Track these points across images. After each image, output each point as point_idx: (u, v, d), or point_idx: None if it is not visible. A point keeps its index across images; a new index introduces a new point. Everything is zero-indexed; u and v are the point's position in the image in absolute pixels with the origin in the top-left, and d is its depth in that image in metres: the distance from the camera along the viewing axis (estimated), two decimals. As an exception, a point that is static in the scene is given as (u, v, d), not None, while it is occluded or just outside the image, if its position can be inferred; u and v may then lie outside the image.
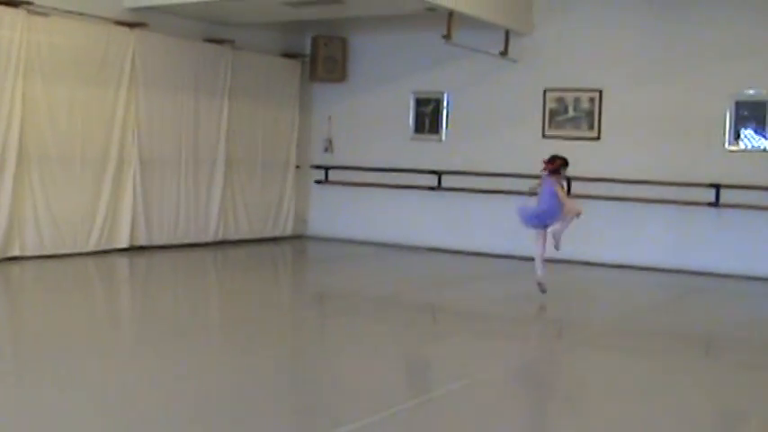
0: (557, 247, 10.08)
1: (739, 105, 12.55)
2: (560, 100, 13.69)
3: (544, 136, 13.79)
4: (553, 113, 13.76)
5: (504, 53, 13.69)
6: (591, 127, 13.50)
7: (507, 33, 13.62)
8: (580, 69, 13.53)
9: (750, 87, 12.47)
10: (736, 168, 12.43)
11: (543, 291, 10.01)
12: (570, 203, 9.96)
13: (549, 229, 9.95)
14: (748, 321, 9.70)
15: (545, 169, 10.06)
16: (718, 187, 12.45)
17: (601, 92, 13.41)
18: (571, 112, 13.65)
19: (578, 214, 9.92)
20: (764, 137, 12.41)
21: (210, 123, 13.77)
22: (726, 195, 12.43)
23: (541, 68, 13.78)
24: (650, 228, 13.02)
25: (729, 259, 12.46)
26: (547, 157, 10.13)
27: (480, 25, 12.84)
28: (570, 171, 13.36)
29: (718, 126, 12.63)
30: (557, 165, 10.04)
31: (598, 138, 13.44)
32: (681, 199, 12.65)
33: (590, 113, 13.51)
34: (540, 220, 10.02)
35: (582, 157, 13.46)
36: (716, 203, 12.45)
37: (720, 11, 12.62)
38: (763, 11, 11.81)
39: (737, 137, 12.58)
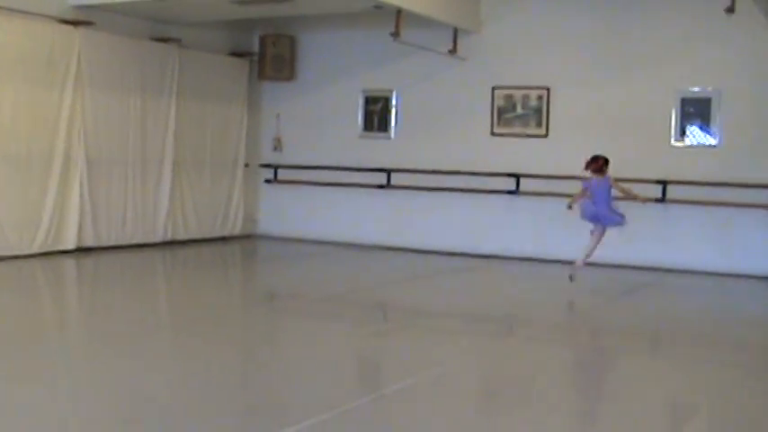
0: (572, 277, 10.88)
1: (685, 102, 12.68)
2: (509, 97, 13.75)
3: (492, 134, 13.84)
4: (501, 111, 13.82)
5: (452, 51, 13.73)
6: (539, 124, 13.58)
7: (455, 31, 13.66)
8: (528, 67, 13.60)
9: (695, 84, 12.60)
10: (682, 164, 12.56)
11: (572, 279, 10.74)
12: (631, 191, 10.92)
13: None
14: (692, 314, 9.80)
15: (587, 169, 10.67)
16: (664, 183, 12.57)
17: (549, 89, 13.48)
18: (519, 110, 13.71)
19: (645, 200, 11.11)
20: (709, 133, 12.55)
21: (158, 123, 13.66)
22: (672, 191, 12.56)
23: (490, 66, 13.83)
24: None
25: (675, 254, 12.59)
26: (588, 158, 10.76)
27: (429, 23, 12.87)
28: (519, 168, 13.52)
29: (665, 123, 12.75)
30: (599, 164, 10.63)
31: (546, 135, 13.52)
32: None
33: (538, 111, 13.58)
34: (600, 220, 10.68)
35: (530, 155, 13.55)
36: (662, 199, 12.57)
37: (666, 9, 12.75)
38: (708, 9, 11.93)
39: (683, 133, 12.71)
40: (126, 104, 13.11)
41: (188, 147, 14.24)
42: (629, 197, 10.81)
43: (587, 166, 10.73)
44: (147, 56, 13.39)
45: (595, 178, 10.64)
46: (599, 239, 10.70)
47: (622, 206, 10.96)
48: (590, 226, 10.78)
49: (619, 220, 10.64)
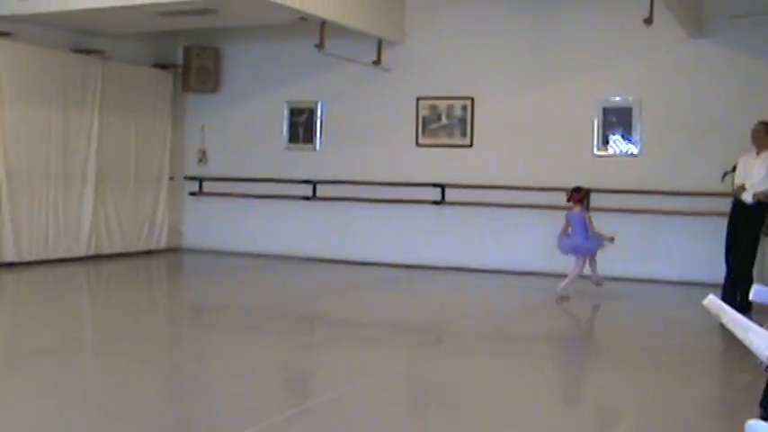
0: (599, 284, 11.09)
1: (607, 111, 12.87)
2: (433, 108, 13.83)
3: (418, 144, 13.91)
4: (426, 121, 13.89)
5: (376, 62, 13.77)
6: (464, 134, 13.67)
7: (380, 42, 13.71)
8: (452, 77, 13.69)
9: (616, 94, 12.80)
10: (605, 173, 12.74)
11: (561, 301, 10.74)
12: (600, 232, 10.95)
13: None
14: (618, 322, 9.93)
15: (570, 200, 10.90)
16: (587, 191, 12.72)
17: (473, 99, 13.58)
18: (444, 120, 13.79)
19: (612, 239, 10.97)
20: (631, 142, 12.75)
21: (80, 136, 13.48)
22: (595, 199, 12.70)
23: (414, 77, 13.90)
24: (524, 233, 13.23)
25: (599, 261, 12.73)
26: (569, 189, 11.03)
27: (353, 35, 12.90)
28: (444, 178, 13.60)
29: (587, 132, 12.92)
30: (580, 196, 10.86)
31: (471, 145, 13.61)
32: (552, 204, 12.88)
33: (463, 121, 13.67)
34: (579, 251, 10.86)
35: (455, 165, 13.64)
36: (586, 208, 12.71)
37: (588, 20, 12.93)
38: (628, 20, 12.12)
39: (606, 142, 12.89)
40: (47, 117, 12.93)
41: (111, 160, 14.08)
42: (601, 238, 10.91)
43: (569, 197, 10.97)
44: (68, 68, 13.22)
45: (575, 210, 10.80)
46: (581, 269, 10.85)
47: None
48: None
49: (596, 245, 10.84)
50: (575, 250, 10.88)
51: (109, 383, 6.41)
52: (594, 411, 6.28)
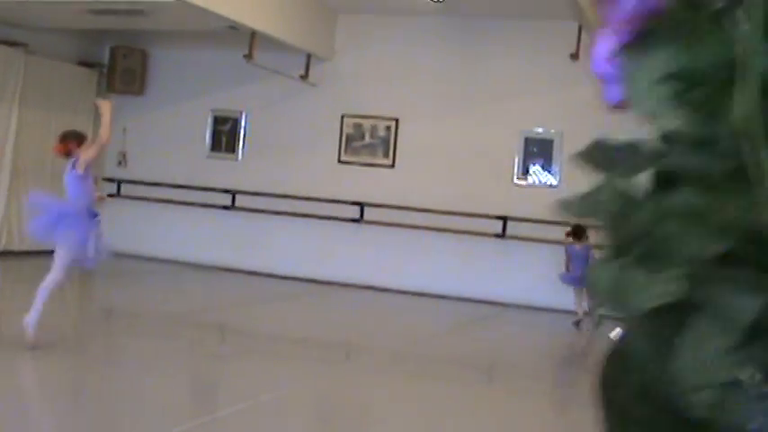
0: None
1: (528, 142, 13.04)
2: (358, 126, 13.88)
3: (340, 161, 13.94)
4: (350, 139, 13.93)
5: (304, 77, 13.78)
6: (386, 155, 13.74)
7: (308, 57, 13.73)
8: (378, 97, 13.76)
9: (539, 125, 12.98)
10: (523, 202, 12.89)
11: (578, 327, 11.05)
12: None
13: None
14: (526, 348, 10.05)
15: (568, 236, 11.21)
16: (505, 219, 12.88)
17: (397, 120, 13.67)
18: (368, 139, 13.85)
19: None
20: (550, 173, 12.94)
21: (-2, 129, 13.27)
22: (512, 228, 12.87)
23: (340, 94, 13.94)
24: (440, 256, 13.32)
25: (513, 289, 12.88)
26: (569, 228, 11.14)
27: (282, 47, 12.90)
28: (364, 197, 13.65)
29: (509, 161, 13.08)
30: (581, 232, 10.96)
31: (392, 165, 13.69)
32: (470, 229, 13.01)
33: (386, 141, 13.74)
34: (582, 284, 10.82)
35: (376, 184, 13.69)
36: (502, 235, 12.87)
37: (516, 51, 13.10)
38: (556, 53, 12.32)
39: (526, 172, 13.06)
40: (-35, 108, 12.70)
41: (29, 156, 13.84)
42: None
43: (570, 234, 11.21)
44: (-10, 60, 13.01)
45: (576, 245, 11.09)
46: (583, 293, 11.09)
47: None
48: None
49: None
50: (575, 282, 11.15)
51: (11, 390, 6.31)
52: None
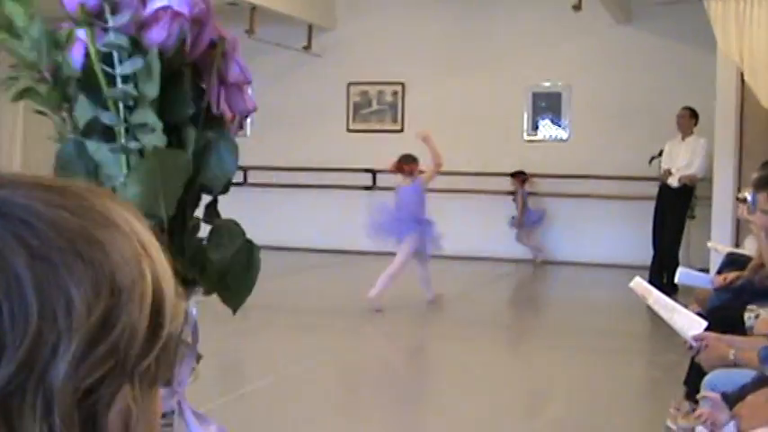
0: None
1: (536, 97, 12.99)
2: (364, 93, 13.84)
3: (349, 129, 13.92)
4: (357, 107, 13.90)
5: (307, 48, 13.73)
6: (395, 120, 13.71)
7: (310, 28, 13.66)
8: (383, 63, 13.70)
9: (545, 80, 12.92)
10: (535, 157, 12.85)
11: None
12: None
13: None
14: (546, 305, 10.06)
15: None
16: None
17: (403, 85, 13.62)
18: (375, 106, 13.82)
19: None
20: (560, 127, 12.89)
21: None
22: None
23: (345, 63, 13.88)
24: (456, 217, 13.28)
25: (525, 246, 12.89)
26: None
27: (283, 20, 12.83)
28: (375, 163, 13.61)
29: (518, 117, 13.04)
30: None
31: (401, 130, 13.65)
32: (484, 188, 12.98)
33: (394, 106, 13.71)
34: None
35: (386, 150, 13.63)
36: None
37: (518, 6, 13.01)
38: (558, 6, 12.23)
39: (536, 127, 13.01)
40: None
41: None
42: None
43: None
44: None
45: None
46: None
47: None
48: None
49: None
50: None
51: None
52: (524, 394, 6.36)
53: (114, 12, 2.17)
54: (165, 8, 2.19)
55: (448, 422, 5.47)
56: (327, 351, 7.36)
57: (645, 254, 10.74)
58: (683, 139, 10.40)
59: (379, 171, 13.45)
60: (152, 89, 2.18)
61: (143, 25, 2.20)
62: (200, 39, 2.33)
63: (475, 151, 13.14)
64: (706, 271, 7.43)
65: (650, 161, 11.62)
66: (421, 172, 9.43)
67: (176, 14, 2.22)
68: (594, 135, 12.75)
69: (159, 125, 2.22)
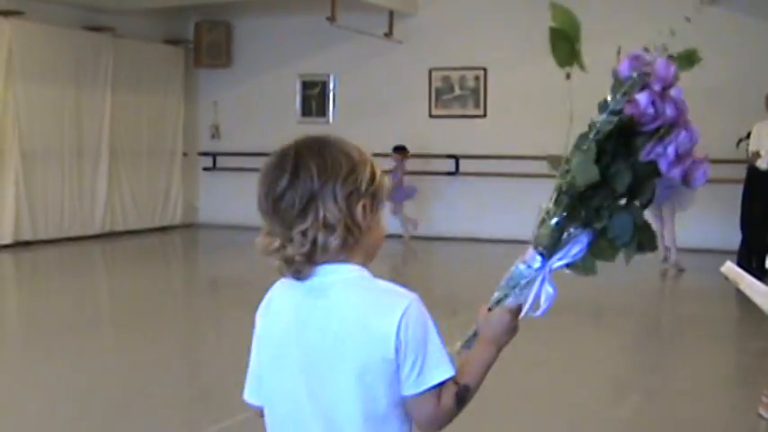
0: None
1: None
2: (446, 79, 13.79)
3: (431, 115, 13.88)
4: (439, 92, 13.85)
5: (388, 34, 13.71)
6: (477, 105, 13.64)
7: (391, 14, 13.64)
8: (464, 48, 13.63)
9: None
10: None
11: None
12: None
13: None
14: (633, 290, 9.93)
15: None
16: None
17: (485, 70, 13.53)
18: (457, 91, 13.76)
19: None
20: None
21: (93, 113, 13.48)
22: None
23: (426, 48, 13.84)
24: (537, 202, 13.17)
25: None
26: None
27: (364, 7, 12.83)
28: (458, 149, 13.57)
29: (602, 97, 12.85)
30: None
31: (484, 115, 13.58)
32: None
33: (476, 91, 13.64)
34: None
35: (469, 136, 13.60)
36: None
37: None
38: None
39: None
40: (60, 95, 12.93)
41: (125, 137, 14.08)
42: None
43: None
44: (80, 45, 13.21)
45: None
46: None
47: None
48: None
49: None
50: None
51: (127, 361, 6.44)
52: (610, 379, 6.28)
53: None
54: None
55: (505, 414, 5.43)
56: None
57: (732, 238, 10.54)
58: (771, 119, 10.17)
59: (462, 156, 13.42)
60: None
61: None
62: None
63: (559, 135, 12.97)
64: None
65: (737, 143, 11.38)
66: None
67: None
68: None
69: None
